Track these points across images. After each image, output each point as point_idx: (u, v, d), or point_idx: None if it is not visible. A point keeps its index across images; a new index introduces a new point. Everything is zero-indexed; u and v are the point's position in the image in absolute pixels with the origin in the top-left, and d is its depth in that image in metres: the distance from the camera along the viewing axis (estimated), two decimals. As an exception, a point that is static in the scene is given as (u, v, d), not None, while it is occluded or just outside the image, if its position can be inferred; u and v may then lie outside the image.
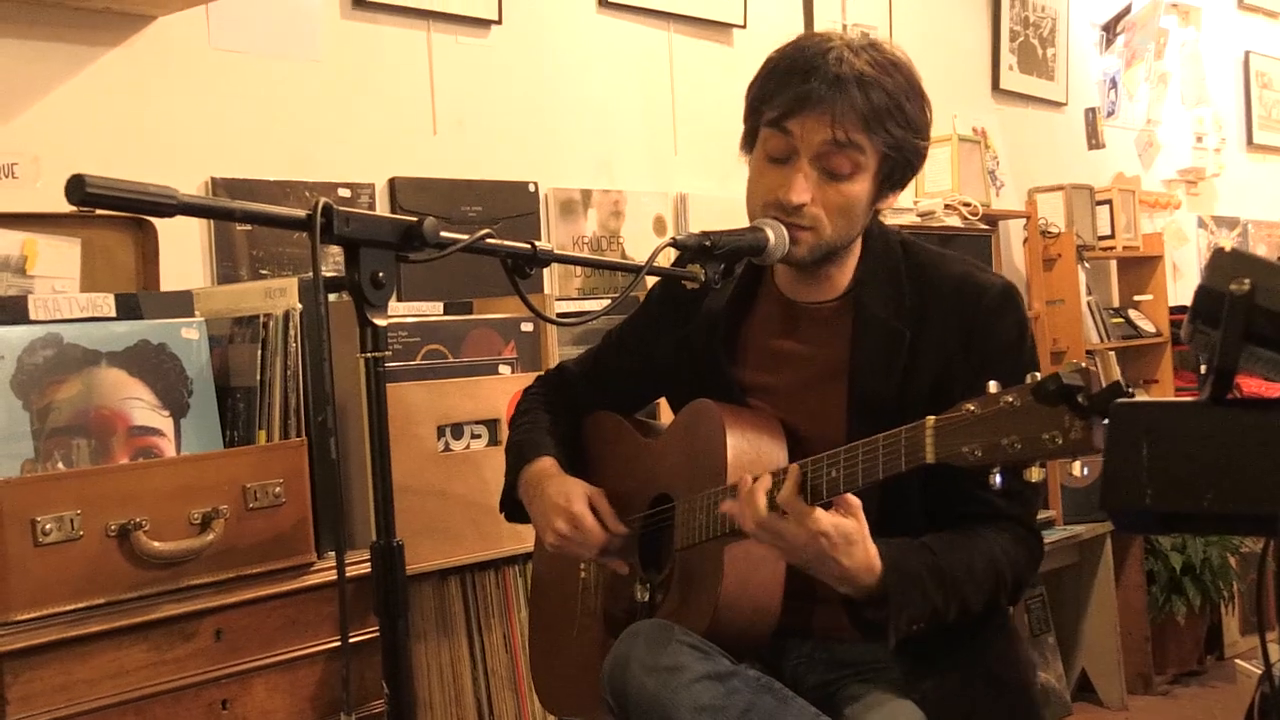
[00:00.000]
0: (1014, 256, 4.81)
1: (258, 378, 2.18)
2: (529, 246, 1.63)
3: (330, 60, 2.96)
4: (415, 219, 1.51)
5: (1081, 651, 4.48)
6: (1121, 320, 5.16)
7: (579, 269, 3.44)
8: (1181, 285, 5.67)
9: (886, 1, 4.42)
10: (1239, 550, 4.70)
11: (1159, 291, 5.29)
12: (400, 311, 2.58)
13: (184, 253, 2.65)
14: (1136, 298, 5.32)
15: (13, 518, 1.83)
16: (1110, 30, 5.64)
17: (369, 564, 1.52)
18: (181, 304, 2.23)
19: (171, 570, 1.98)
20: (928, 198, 4.09)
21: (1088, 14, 5.55)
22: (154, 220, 2.37)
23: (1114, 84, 5.68)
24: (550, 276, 3.37)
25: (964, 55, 4.84)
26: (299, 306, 2.20)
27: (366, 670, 2.10)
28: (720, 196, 3.68)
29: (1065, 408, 1.41)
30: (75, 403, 2.02)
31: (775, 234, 1.79)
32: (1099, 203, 5.00)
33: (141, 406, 2.08)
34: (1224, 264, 1.24)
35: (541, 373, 2.34)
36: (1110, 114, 5.62)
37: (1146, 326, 5.21)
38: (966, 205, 4.05)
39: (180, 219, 1.42)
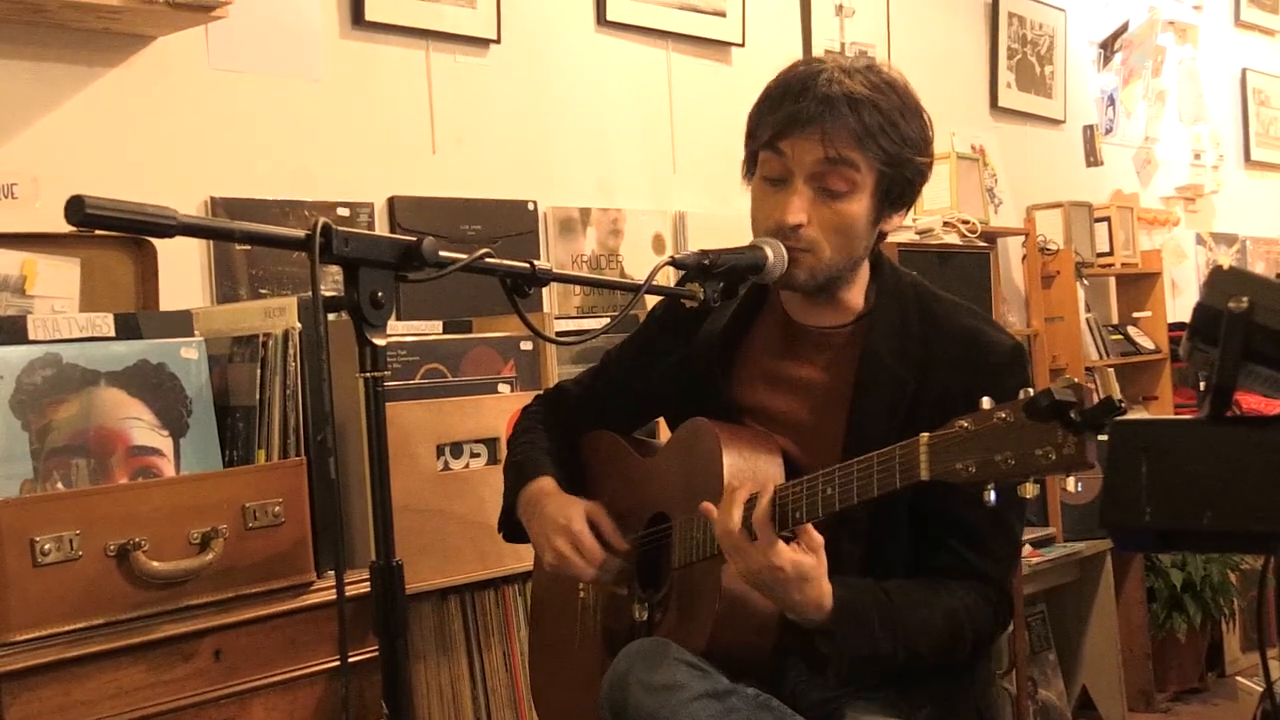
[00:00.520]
0: (1013, 274, 4.81)
1: (257, 397, 2.18)
2: (528, 266, 1.64)
3: (329, 80, 2.97)
4: (414, 239, 1.51)
5: (1082, 669, 4.47)
6: (1120, 337, 5.16)
7: (578, 287, 3.44)
8: (1180, 302, 5.68)
9: (884, 20, 4.43)
10: (1239, 567, 4.69)
11: (1158, 308, 5.30)
12: (399, 330, 2.58)
13: (183, 272, 2.65)
14: (1135, 314, 5.32)
15: (12, 538, 1.83)
16: (1108, 48, 5.65)
17: (369, 583, 1.52)
18: (181, 324, 2.22)
19: (171, 590, 1.98)
20: (926, 215, 4.09)
21: (1085, 32, 5.56)
22: (153, 240, 2.37)
23: (1112, 101, 5.69)
24: (549, 295, 3.37)
25: (962, 73, 4.86)
26: (298, 326, 2.20)
27: (366, 690, 2.09)
28: (719, 215, 3.69)
29: (1058, 423, 1.41)
30: (74, 423, 2.01)
31: (774, 252, 1.79)
32: (1097, 220, 5.01)
33: (141, 426, 2.08)
34: (1222, 282, 1.25)
35: (540, 392, 2.34)
36: (1108, 131, 5.64)
37: (1145, 343, 5.21)
38: (965, 223, 4.05)
39: (179, 238, 1.42)
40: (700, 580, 1.83)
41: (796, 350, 1.94)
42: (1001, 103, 5.00)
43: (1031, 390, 1.46)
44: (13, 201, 2.45)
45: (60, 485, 1.98)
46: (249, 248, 2.74)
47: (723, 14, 3.83)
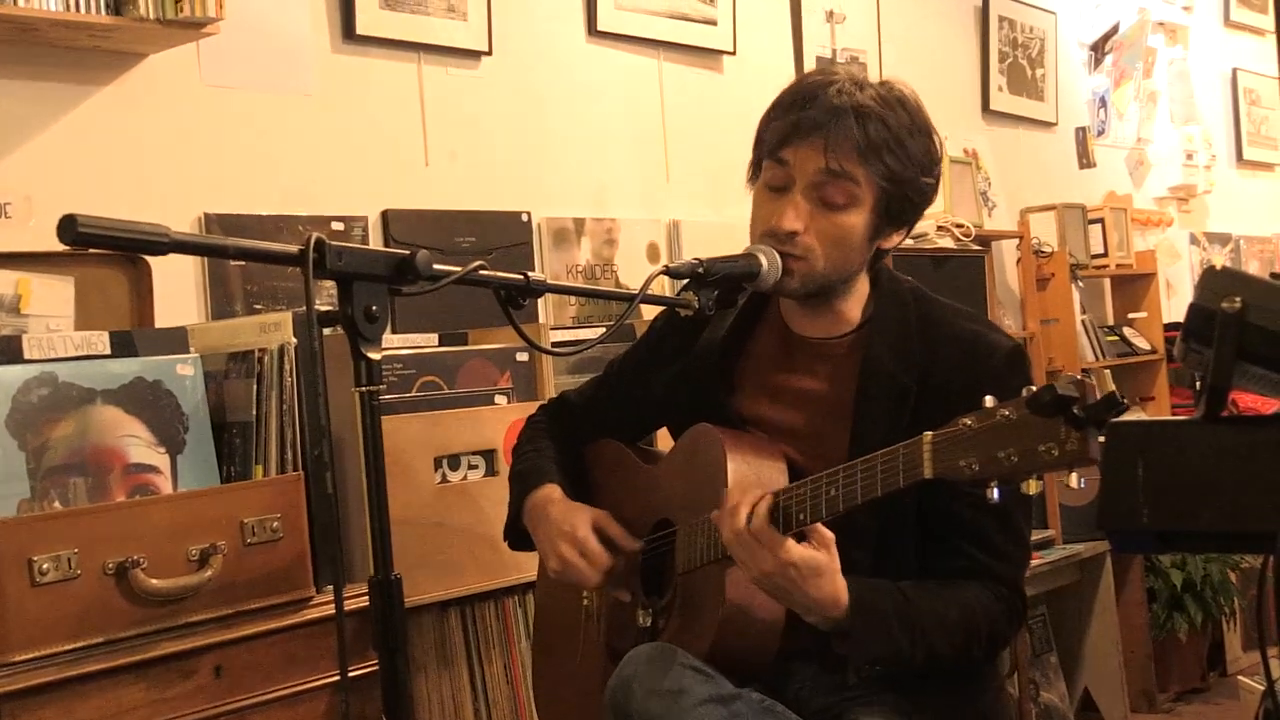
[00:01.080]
0: (1007, 277, 4.81)
1: (253, 413, 2.18)
2: (522, 277, 1.64)
3: (321, 94, 2.97)
4: (407, 252, 1.51)
5: (1084, 670, 4.46)
6: (1116, 338, 5.17)
7: (574, 297, 3.45)
8: (1175, 302, 5.69)
9: (875, 26, 4.44)
10: (1239, 566, 4.69)
11: (1153, 309, 5.31)
12: (395, 343, 2.58)
13: (178, 288, 2.65)
14: (1131, 315, 5.33)
15: (9, 558, 1.83)
16: (1098, 50, 5.66)
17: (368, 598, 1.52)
18: (176, 340, 2.22)
19: (170, 607, 1.98)
20: (920, 220, 4.09)
21: (1076, 34, 5.57)
22: (148, 257, 2.37)
23: (1103, 103, 5.70)
24: (545, 305, 3.38)
25: (953, 77, 4.86)
26: (294, 341, 2.20)
27: (367, 704, 2.09)
28: (713, 222, 3.69)
29: (1061, 419, 1.41)
30: (71, 441, 2.01)
31: (768, 260, 1.79)
32: (1091, 221, 5.02)
33: (137, 444, 2.08)
34: (1215, 282, 1.25)
35: (543, 402, 2.34)
36: (1100, 133, 5.64)
37: (1141, 344, 5.21)
38: (959, 226, 4.06)
39: (174, 255, 1.42)
40: (704, 585, 1.83)
41: (797, 362, 1.94)
42: (993, 106, 5.01)
43: (1034, 387, 1.46)
44: (6, 221, 2.45)
45: (57, 504, 1.98)
46: (244, 263, 2.74)
47: (713, 22, 3.84)
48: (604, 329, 1.83)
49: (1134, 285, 5.34)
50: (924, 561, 1.82)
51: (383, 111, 3.10)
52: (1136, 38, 5.78)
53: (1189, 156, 6.13)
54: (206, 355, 2.22)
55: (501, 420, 2.47)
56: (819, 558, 1.64)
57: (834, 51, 4.17)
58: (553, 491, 2.07)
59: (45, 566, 1.85)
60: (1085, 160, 5.46)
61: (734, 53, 3.89)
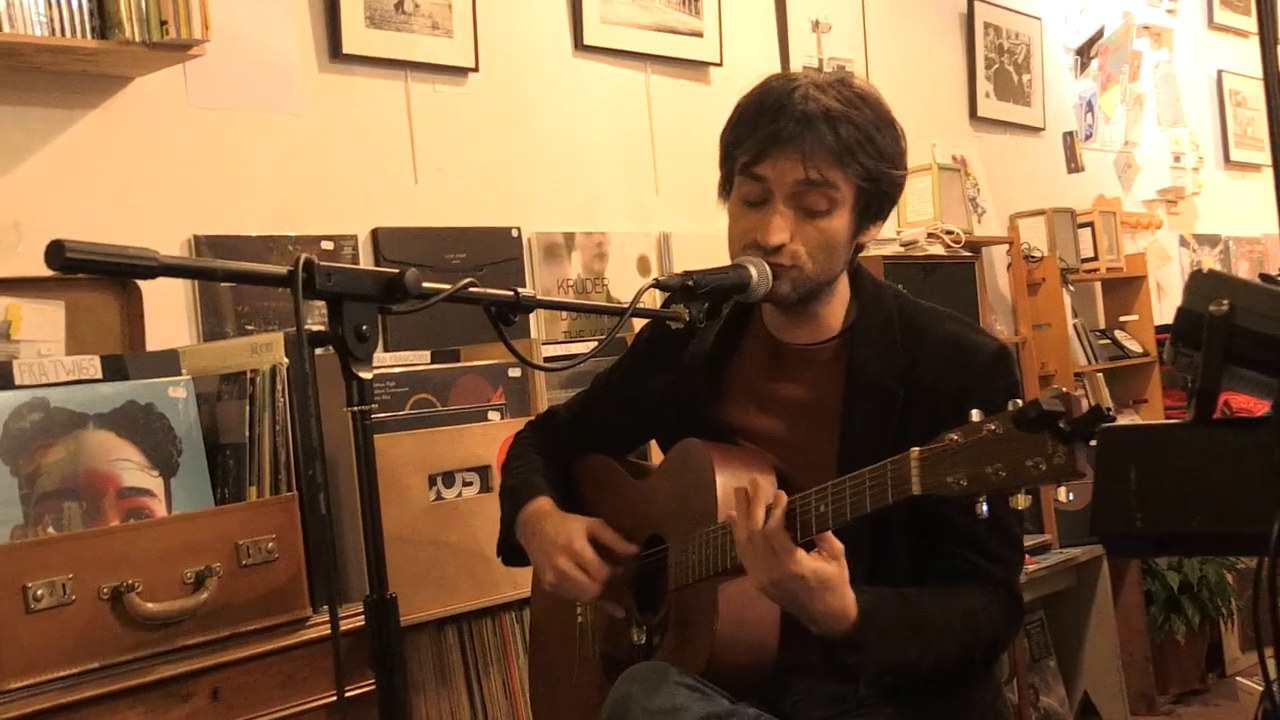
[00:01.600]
0: (998, 282, 4.82)
1: (246, 434, 2.18)
2: (512, 293, 1.64)
3: (309, 114, 2.98)
4: (397, 271, 1.51)
5: (1083, 674, 4.46)
6: (1108, 341, 5.18)
7: (566, 311, 3.45)
8: (1166, 304, 5.69)
9: (861, 35, 4.45)
10: (1236, 567, 4.70)
11: (1144, 311, 5.32)
12: (387, 361, 2.57)
13: (169, 311, 2.65)
14: (1122, 318, 5.34)
15: (3, 585, 1.82)
16: (1084, 54, 5.68)
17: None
18: (168, 363, 2.22)
19: (166, 631, 1.97)
20: (910, 227, 4.10)
21: (1061, 39, 5.59)
22: (138, 280, 2.37)
23: (1090, 107, 5.72)
24: (536, 320, 3.38)
25: (940, 84, 4.87)
26: (285, 361, 2.20)
27: (365, 724, 2.09)
28: (703, 234, 3.69)
29: (1047, 434, 1.41)
30: (64, 466, 2.01)
31: (758, 270, 1.80)
32: (1081, 225, 5.03)
33: (131, 467, 2.08)
34: (1202, 285, 1.25)
35: (531, 418, 2.34)
36: (1088, 137, 5.66)
37: (1133, 347, 5.22)
38: (949, 233, 4.06)
39: (164, 278, 1.42)
40: (697, 602, 1.82)
41: (783, 369, 1.94)
42: (981, 112, 5.02)
43: (1020, 400, 1.46)
44: (-5, 247, 2.45)
45: (51, 530, 1.97)
46: (234, 285, 2.74)
47: (700, 34, 3.85)
48: (596, 343, 1.83)
49: (1125, 288, 5.35)
50: (918, 566, 1.81)
51: (370, 130, 3.10)
52: (1122, 42, 5.80)
53: (1176, 159, 6.15)
54: (198, 377, 2.22)
55: (495, 437, 2.46)
56: (829, 570, 1.63)
57: (820, 61, 4.17)
58: (545, 504, 2.07)
59: (40, 592, 1.85)
60: (1073, 164, 5.47)
61: (721, 64, 3.90)
